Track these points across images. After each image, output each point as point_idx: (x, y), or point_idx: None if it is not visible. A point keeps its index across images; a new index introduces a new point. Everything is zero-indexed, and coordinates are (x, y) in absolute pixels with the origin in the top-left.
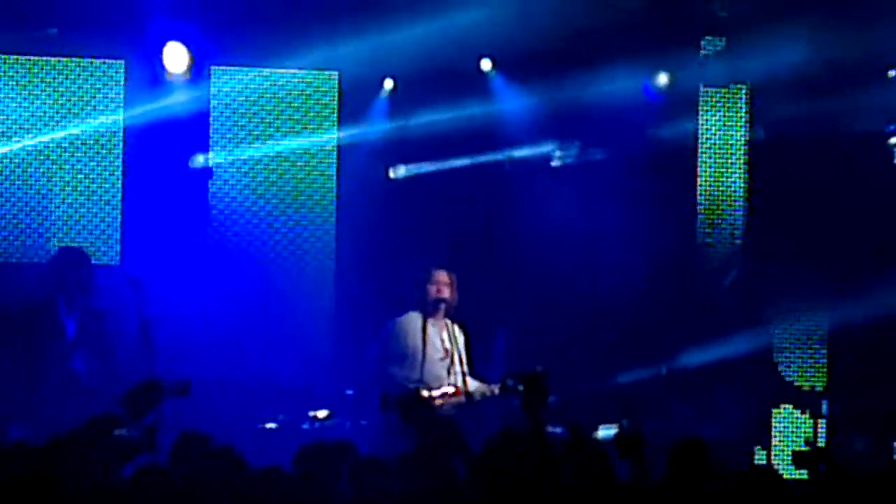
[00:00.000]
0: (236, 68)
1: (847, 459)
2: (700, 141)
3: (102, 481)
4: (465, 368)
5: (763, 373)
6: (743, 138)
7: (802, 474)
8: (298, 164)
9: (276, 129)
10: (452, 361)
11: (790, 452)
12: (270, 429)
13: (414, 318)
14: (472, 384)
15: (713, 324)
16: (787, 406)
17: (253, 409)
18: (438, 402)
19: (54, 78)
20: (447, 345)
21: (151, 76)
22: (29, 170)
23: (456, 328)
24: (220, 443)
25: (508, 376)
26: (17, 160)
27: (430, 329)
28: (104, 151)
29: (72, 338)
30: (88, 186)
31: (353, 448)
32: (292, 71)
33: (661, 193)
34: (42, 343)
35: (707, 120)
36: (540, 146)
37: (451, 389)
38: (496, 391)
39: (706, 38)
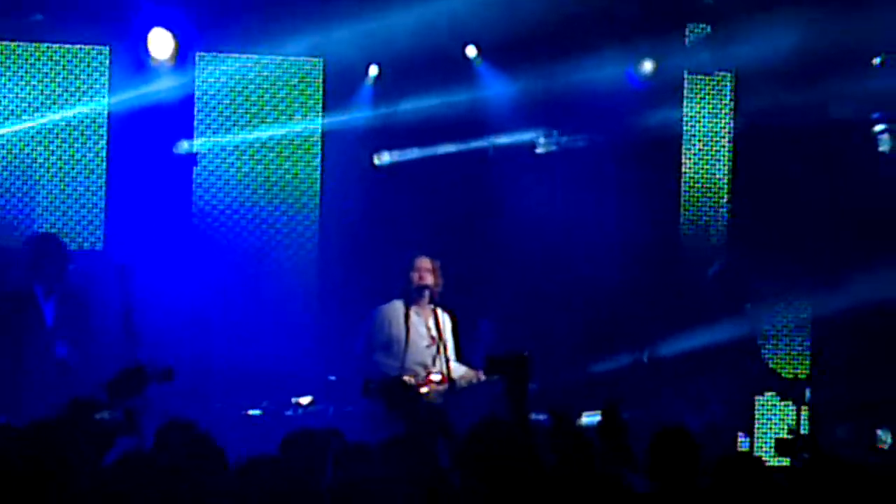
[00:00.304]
0: (221, 55)
1: (830, 447)
2: (685, 128)
3: (85, 468)
4: (452, 355)
5: (746, 361)
6: (727, 126)
7: (785, 461)
8: (283, 150)
9: (261, 116)
10: (439, 349)
11: (773, 440)
12: (254, 415)
13: (397, 306)
14: (459, 370)
15: (696, 312)
16: (770, 394)
17: (236, 395)
18: (425, 390)
19: (39, 64)
20: (433, 332)
21: (136, 62)
22: (13, 155)
23: (443, 315)
24: (204, 429)
25: (490, 359)
26: (1, 146)
27: (415, 317)
28: (88, 137)
29: (51, 324)
30: (72, 172)
31: (339, 434)
32: (277, 58)
33: (645, 181)
34: (22, 330)
35: (692, 108)
36: (524, 133)
37: (437, 377)
38: (482, 377)
39: (691, 25)
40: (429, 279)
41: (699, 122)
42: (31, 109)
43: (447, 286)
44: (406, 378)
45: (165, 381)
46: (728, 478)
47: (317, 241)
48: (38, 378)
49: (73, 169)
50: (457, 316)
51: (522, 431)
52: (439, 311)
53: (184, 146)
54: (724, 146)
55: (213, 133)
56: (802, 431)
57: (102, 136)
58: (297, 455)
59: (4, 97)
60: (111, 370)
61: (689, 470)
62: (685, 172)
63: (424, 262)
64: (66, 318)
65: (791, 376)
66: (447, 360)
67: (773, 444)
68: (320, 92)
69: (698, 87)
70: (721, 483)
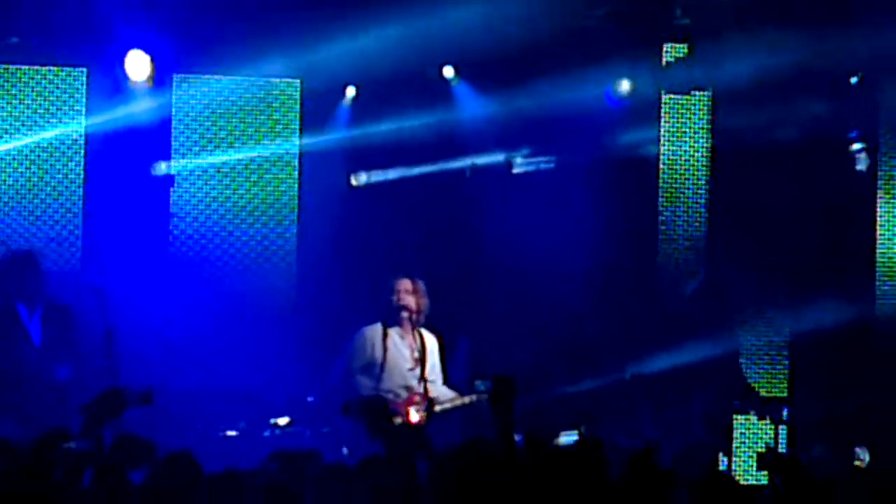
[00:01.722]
0: (198, 76)
1: (808, 466)
2: (662, 148)
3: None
4: (437, 378)
5: (725, 380)
6: (705, 145)
7: (762, 480)
8: (260, 171)
9: (238, 137)
10: (424, 371)
11: (752, 457)
12: (231, 436)
13: (376, 328)
14: (443, 394)
15: (675, 331)
16: (748, 413)
17: (214, 416)
18: (410, 411)
19: (16, 86)
20: (416, 354)
21: (113, 84)
22: None
23: (429, 337)
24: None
25: (477, 378)
26: None
27: (396, 338)
28: (66, 159)
29: (39, 344)
30: (50, 193)
31: (318, 455)
32: (255, 79)
33: (622, 200)
34: (7, 350)
35: (669, 127)
36: (502, 154)
37: (419, 399)
38: (466, 401)
39: (668, 44)
40: (409, 300)
41: (676, 141)
42: (8, 131)
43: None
44: (386, 399)
45: (145, 404)
46: (704, 497)
47: (294, 261)
48: (31, 398)
49: (50, 190)
50: (443, 339)
51: (508, 452)
52: (424, 333)
53: (161, 167)
54: (701, 165)
55: (191, 154)
56: (780, 450)
57: (80, 157)
58: (276, 476)
59: None
60: (91, 392)
61: (661, 493)
62: (663, 191)
63: (405, 284)
64: (54, 337)
65: (770, 395)
66: (428, 383)
67: (751, 463)
68: (298, 113)
69: (675, 106)
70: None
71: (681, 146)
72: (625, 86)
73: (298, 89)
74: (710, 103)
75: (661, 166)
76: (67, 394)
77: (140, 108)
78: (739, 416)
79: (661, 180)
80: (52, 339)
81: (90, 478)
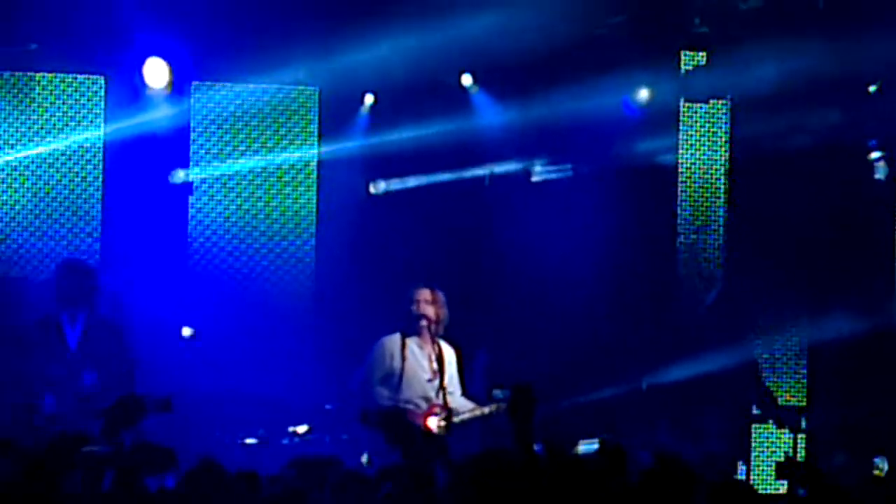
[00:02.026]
0: (217, 84)
1: (827, 474)
2: (680, 156)
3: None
4: (455, 389)
5: (744, 389)
6: (723, 153)
7: (780, 488)
8: (279, 179)
9: (257, 145)
10: (443, 382)
11: (770, 467)
12: (250, 444)
13: (395, 339)
14: (462, 405)
15: (694, 340)
16: (767, 422)
17: (233, 424)
18: (428, 421)
19: (35, 94)
20: (434, 364)
21: (132, 92)
22: (8, 184)
23: (447, 348)
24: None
25: (496, 388)
26: None
27: (415, 349)
28: (84, 167)
29: (75, 349)
30: (68, 201)
31: (337, 463)
32: (273, 86)
33: (641, 209)
34: (43, 356)
35: (688, 135)
36: (520, 162)
37: (438, 410)
38: (485, 412)
39: (686, 53)
40: (428, 310)
41: (695, 149)
42: (27, 138)
43: None
44: (407, 412)
45: (164, 412)
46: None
47: (313, 269)
48: (61, 405)
49: (68, 198)
50: (461, 350)
51: (527, 460)
52: (443, 343)
53: (180, 175)
54: (720, 174)
55: (209, 162)
56: (799, 459)
57: (98, 165)
58: (295, 483)
59: (0, 126)
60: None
61: (685, 499)
62: (681, 200)
63: (424, 294)
64: (94, 345)
65: (788, 404)
66: (446, 394)
67: (769, 473)
68: (316, 121)
69: (694, 114)
70: None
71: (699, 154)
72: (643, 94)
73: (317, 97)
74: (728, 112)
75: (680, 175)
76: (91, 400)
77: (158, 116)
78: (758, 425)
79: (679, 189)
80: (92, 347)
81: (110, 482)
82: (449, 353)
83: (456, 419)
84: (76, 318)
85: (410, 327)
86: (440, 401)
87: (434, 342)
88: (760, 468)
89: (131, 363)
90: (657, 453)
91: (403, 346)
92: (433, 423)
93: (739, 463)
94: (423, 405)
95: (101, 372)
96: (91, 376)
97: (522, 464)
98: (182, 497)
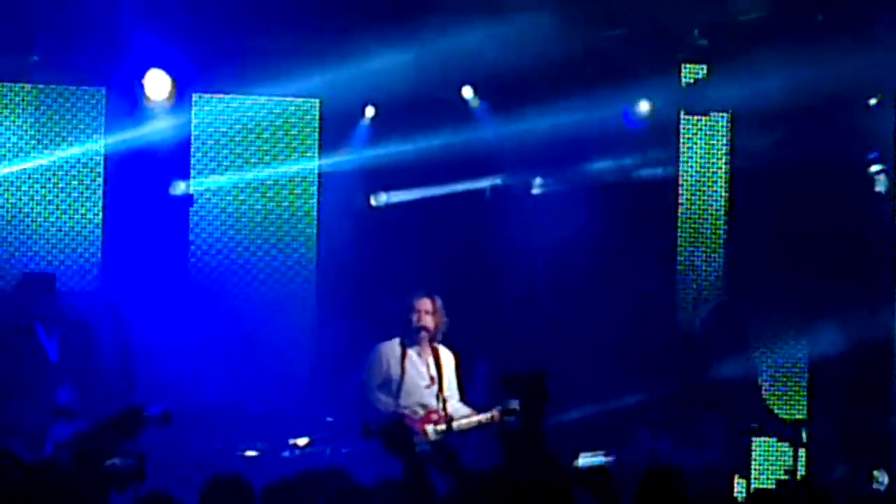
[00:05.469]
0: (218, 95)
1: (827, 488)
2: (681, 169)
3: None
4: (453, 394)
5: (743, 402)
6: (723, 166)
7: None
8: (280, 191)
9: (258, 157)
10: (441, 388)
11: (769, 482)
12: (250, 457)
13: (395, 346)
14: (460, 411)
15: (693, 353)
16: (767, 435)
17: (233, 436)
18: (427, 429)
19: (35, 105)
20: (432, 371)
21: (132, 103)
22: (9, 196)
23: (445, 354)
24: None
25: (507, 379)
26: None
27: (414, 357)
28: (85, 178)
29: (55, 360)
30: (68, 213)
31: (338, 475)
32: (274, 98)
33: (641, 221)
34: (23, 367)
35: (688, 148)
36: (521, 174)
37: (436, 417)
38: (483, 419)
39: (686, 65)
40: (428, 321)
41: (695, 162)
42: (27, 150)
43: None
44: (405, 418)
45: (163, 425)
46: None
47: (314, 281)
48: (43, 415)
49: (68, 210)
50: (459, 355)
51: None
52: (441, 349)
53: (180, 187)
54: (719, 186)
55: (210, 174)
56: (799, 473)
57: (98, 177)
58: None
59: (0, 138)
60: (109, 412)
61: None
62: (681, 212)
63: (424, 304)
64: (71, 356)
65: (788, 417)
66: (444, 400)
67: (769, 486)
68: (317, 133)
69: (694, 127)
70: None
71: (699, 167)
72: (644, 107)
73: (318, 109)
74: (728, 124)
75: (680, 187)
76: (73, 415)
77: (159, 128)
78: (758, 439)
79: (679, 201)
80: (69, 358)
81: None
82: (447, 359)
83: (455, 426)
84: (52, 330)
85: (409, 336)
86: (439, 407)
87: (432, 348)
88: (760, 481)
89: (109, 372)
90: (652, 465)
91: (403, 354)
92: (431, 430)
93: (738, 476)
94: (422, 412)
95: (77, 387)
96: (67, 393)
97: (530, 471)
98: None
